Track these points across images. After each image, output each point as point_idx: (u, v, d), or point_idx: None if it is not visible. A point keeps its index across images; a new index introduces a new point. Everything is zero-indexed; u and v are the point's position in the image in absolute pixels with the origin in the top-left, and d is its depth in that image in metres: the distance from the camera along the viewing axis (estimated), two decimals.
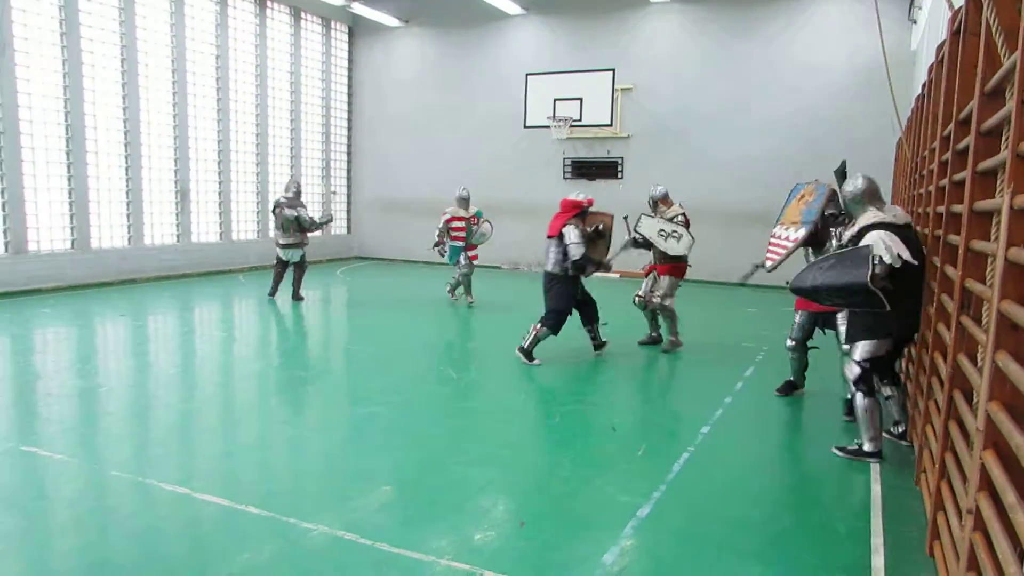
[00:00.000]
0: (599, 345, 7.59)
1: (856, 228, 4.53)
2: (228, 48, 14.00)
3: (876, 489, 4.17)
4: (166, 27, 12.77)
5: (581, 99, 14.49)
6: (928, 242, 4.90)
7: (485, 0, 14.68)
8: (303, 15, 15.85)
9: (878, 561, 3.32)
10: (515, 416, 5.55)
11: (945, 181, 4.24)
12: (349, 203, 17.89)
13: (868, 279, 4.09)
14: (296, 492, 4.04)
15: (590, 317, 7.49)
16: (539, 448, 4.85)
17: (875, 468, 4.51)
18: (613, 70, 14.28)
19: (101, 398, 5.87)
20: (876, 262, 4.11)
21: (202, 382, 6.61)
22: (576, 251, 6.88)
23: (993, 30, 2.93)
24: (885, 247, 4.18)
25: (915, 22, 11.66)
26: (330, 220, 11.53)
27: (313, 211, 13.67)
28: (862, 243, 4.31)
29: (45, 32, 10.91)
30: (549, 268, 7.12)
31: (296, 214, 10.44)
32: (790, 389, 6.12)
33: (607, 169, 14.96)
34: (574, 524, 3.66)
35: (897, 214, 4.59)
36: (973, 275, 3.16)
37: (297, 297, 10.82)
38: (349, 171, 17.79)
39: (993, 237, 2.85)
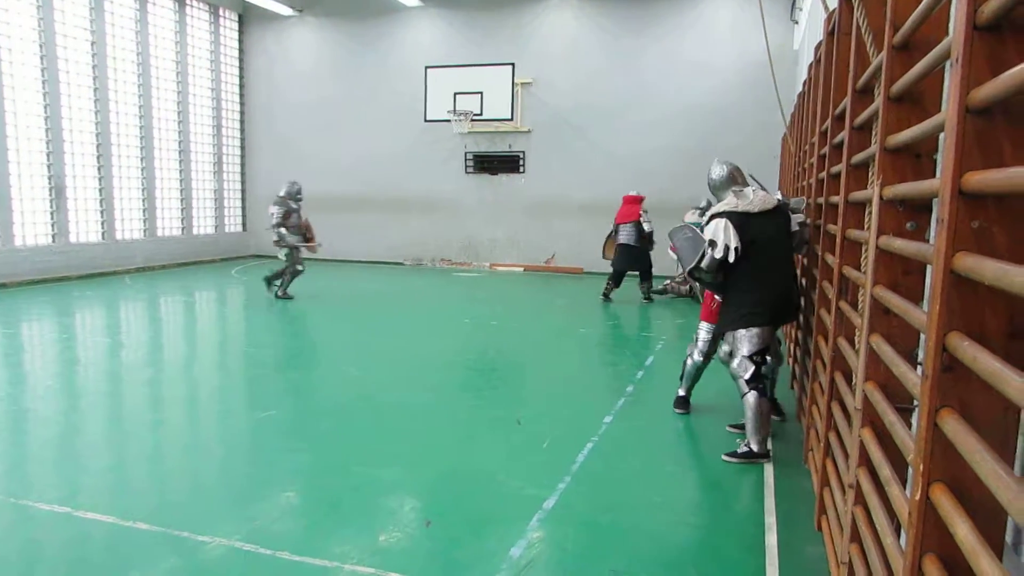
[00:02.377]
0: (649, 299, 10.70)
1: (708, 214, 4.67)
2: (105, 34, 13.13)
3: (769, 469, 4.37)
4: (33, 9, 11.84)
5: (481, 93, 14.50)
6: (811, 232, 5.18)
7: None
8: (188, 1, 15.07)
9: (771, 539, 3.48)
10: (419, 413, 5.49)
11: (824, 174, 4.49)
12: (243, 199, 17.20)
13: (688, 268, 4.56)
14: (191, 504, 3.84)
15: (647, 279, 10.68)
16: (444, 445, 4.81)
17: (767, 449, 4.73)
18: (513, 64, 14.36)
19: None
20: (708, 252, 4.42)
21: (84, 392, 6.18)
22: (648, 228, 10.42)
23: (863, 30, 3.10)
24: (719, 238, 4.41)
25: (797, 23, 12.30)
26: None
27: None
28: (705, 232, 4.54)
29: None
30: (633, 242, 10.35)
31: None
32: (688, 406, 5.50)
33: (509, 163, 15.04)
34: (480, 520, 3.64)
35: (753, 200, 4.54)
36: (850, 262, 3.35)
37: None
38: (243, 165, 17.10)
39: (866, 226, 3.03)
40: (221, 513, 3.69)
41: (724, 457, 4.54)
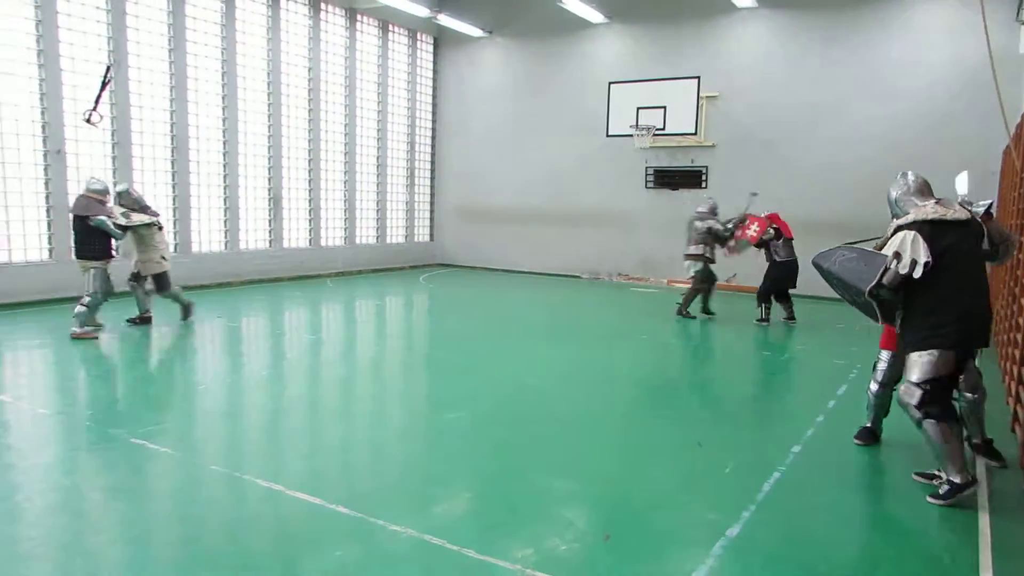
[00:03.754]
0: (791, 317, 10.38)
1: (892, 227, 4.32)
2: (320, 61, 14.53)
3: (984, 518, 3.92)
4: (263, 41, 13.37)
5: (665, 107, 14.32)
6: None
7: (568, 9, 14.71)
8: (391, 28, 16.28)
9: None
10: (595, 427, 5.52)
11: None
12: (432, 211, 18.23)
13: (868, 289, 4.14)
14: (381, 494, 4.12)
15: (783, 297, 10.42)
16: (622, 461, 4.80)
17: (982, 494, 4.26)
18: (698, 78, 14.05)
19: (200, 396, 6.18)
20: (890, 267, 4.09)
21: (290, 383, 6.85)
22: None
23: None
24: (905, 251, 4.09)
25: None
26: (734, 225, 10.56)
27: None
28: (886, 247, 4.22)
29: (154, 48, 11.60)
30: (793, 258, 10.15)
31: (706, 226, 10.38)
32: (872, 438, 5.16)
33: (691, 178, 14.71)
34: (660, 539, 3.60)
35: (949, 209, 4.19)
36: None
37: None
38: (432, 179, 18.13)
39: None
40: (409, 506, 3.94)
41: (929, 499, 4.14)
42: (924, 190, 4.38)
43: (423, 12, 15.42)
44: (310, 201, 14.72)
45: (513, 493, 4.17)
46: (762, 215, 10.50)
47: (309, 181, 14.64)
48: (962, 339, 4.13)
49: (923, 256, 4.04)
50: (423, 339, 9.76)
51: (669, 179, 14.95)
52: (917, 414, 4.13)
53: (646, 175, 15.18)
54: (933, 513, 4.03)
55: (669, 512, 3.93)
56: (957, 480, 4.03)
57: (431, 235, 18.27)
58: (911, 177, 4.45)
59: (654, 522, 3.81)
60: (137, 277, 8.86)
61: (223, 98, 12.70)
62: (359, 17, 15.41)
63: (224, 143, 12.80)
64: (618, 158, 15.30)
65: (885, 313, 4.41)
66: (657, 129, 14.36)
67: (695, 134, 14.18)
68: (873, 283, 4.13)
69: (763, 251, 10.42)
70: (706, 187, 14.54)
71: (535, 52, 16.37)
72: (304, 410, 6.01)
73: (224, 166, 12.87)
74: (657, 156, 15.01)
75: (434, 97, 17.83)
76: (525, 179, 16.64)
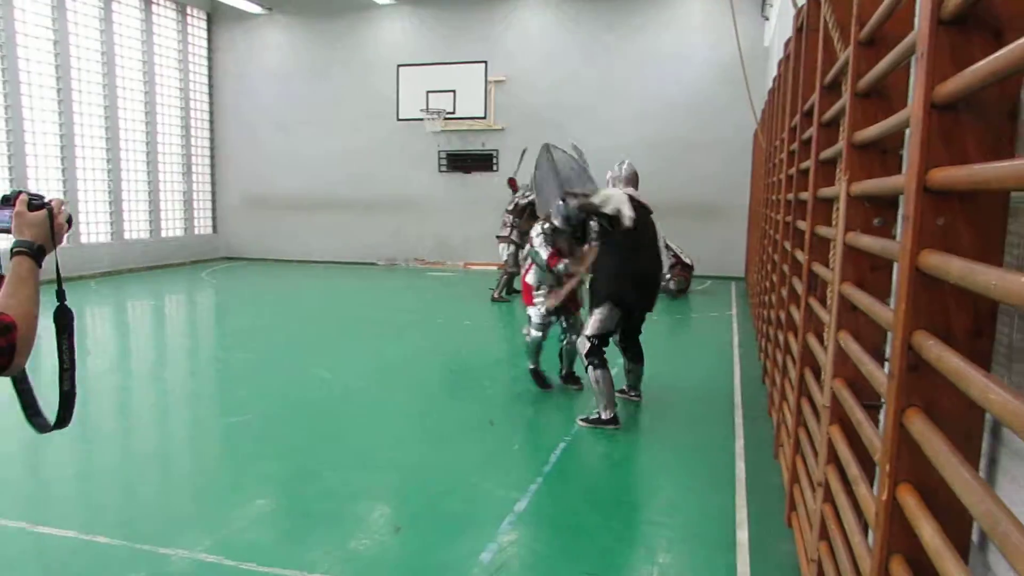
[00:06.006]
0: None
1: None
2: (68, 34, 12.84)
3: (740, 466, 4.37)
4: None
5: (454, 91, 14.42)
6: (780, 228, 5.20)
7: None
8: (154, 0, 14.80)
9: (742, 535, 3.47)
10: (391, 415, 5.42)
11: (793, 170, 4.50)
12: (214, 201, 16.95)
13: (571, 194, 5.39)
14: (158, 515, 3.73)
15: None
16: (415, 448, 4.74)
17: (739, 445, 4.74)
18: (485, 62, 14.28)
19: None
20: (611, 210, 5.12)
21: (47, 401, 6.01)
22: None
23: (830, 26, 3.10)
24: (623, 204, 5.04)
25: (768, 19, 12.37)
26: None
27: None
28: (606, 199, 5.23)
29: None
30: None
31: None
32: (543, 380, 6.10)
33: (482, 162, 14.97)
34: (452, 524, 3.59)
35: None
36: (818, 259, 3.35)
37: None
38: (212, 167, 16.84)
39: (834, 223, 3.02)
40: (187, 524, 3.60)
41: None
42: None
43: None
44: (65, 193, 13.00)
45: (305, 495, 3.96)
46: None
47: (63, 171, 12.95)
48: (624, 300, 5.13)
49: (629, 211, 4.93)
50: (206, 340, 9.04)
51: (462, 163, 15.10)
52: (585, 361, 5.01)
53: (439, 159, 15.21)
54: (700, 465, 4.42)
55: (461, 495, 3.94)
56: (604, 416, 4.98)
57: (214, 227, 16.99)
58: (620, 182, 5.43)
59: (446, 507, 3.80)
60: None
61: None
62: None
63: None
64: (410, 142, 15.18)
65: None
66: (448, 113, 14.42)
67: (484, 118, 14.43)
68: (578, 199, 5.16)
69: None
70: (497, 170, 14.87)
71: (319, 32, 15.71)
72: (61, 431, 5.28)
73: None
74: (449, 140, 15.09)
75: (210, 78, 16.53)
76: (315, 165, 16.00)
